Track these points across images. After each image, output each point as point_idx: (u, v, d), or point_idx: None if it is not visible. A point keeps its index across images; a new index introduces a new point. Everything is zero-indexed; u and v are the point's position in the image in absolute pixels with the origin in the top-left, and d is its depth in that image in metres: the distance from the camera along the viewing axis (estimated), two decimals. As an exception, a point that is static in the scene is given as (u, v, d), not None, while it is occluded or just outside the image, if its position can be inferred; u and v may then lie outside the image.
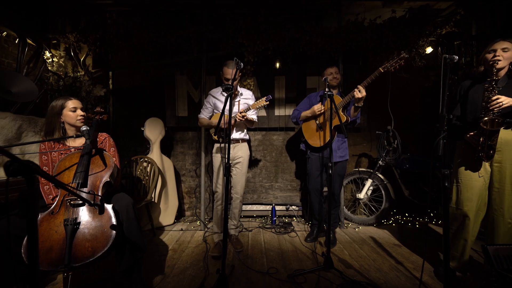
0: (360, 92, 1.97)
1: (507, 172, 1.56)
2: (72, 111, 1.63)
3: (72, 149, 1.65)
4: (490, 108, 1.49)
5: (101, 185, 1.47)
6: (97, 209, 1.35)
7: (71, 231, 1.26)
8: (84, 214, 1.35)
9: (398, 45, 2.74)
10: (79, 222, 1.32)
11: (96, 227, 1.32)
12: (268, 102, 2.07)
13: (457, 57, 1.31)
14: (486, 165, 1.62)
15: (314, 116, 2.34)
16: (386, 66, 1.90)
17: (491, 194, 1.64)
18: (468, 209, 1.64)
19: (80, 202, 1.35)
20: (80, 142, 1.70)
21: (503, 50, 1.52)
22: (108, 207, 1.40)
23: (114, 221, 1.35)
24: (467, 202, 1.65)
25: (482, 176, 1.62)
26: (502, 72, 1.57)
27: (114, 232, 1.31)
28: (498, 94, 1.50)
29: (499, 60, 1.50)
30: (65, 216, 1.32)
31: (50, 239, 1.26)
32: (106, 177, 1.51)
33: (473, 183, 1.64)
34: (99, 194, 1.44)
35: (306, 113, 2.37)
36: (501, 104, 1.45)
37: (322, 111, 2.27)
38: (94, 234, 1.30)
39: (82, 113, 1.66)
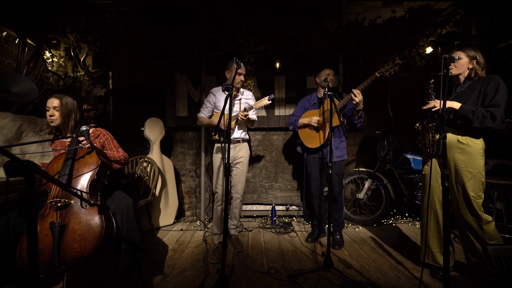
0: (356, 96, 1.99)
1: (452, 171, 1.69)
2: (47, 110, 1.61)
3: (62, 150, 1.64)
4: (426, 109, 1.69)
5: (88, 184, 1.46)
6: (84, 208, 1.34)
7: (58, 233, 1.26)
8: (70, 216, 1.34)
9: (398, 45, 2.73)
10: (65, 224, 1.30)
11: (83, 228, 1.31)
12: (270, 102, 2.06)
13: (457, 57, 1.32)
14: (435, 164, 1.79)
15: (311, 125, 2.35)
16: (381, 71, 1.96)
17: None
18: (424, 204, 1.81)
19: (65, 204, 1.35)
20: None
21: None
22: (97, 206, 1.38)
23: (101, 220, 1.33)
24: (424, 197, 1.83)
25: (425, 173, 1.82)
26: (461, 78, 1.71)
27: (103, 231, 1.30)
28: (455, 98, 1.69)
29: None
30: (51, 219, 1.31)
31: (41, 243, 1.25)
32: (91, 175, 1.48)
33: (425, 181, 1.82)
34: (87, 191, 1.43)
35: (303, 121, 2.36)
36: (436, 107, 1.64)
37: (319, 122, 2.28)
38: (82, 235, 1.29)
39: (51, 112, 1.61)
